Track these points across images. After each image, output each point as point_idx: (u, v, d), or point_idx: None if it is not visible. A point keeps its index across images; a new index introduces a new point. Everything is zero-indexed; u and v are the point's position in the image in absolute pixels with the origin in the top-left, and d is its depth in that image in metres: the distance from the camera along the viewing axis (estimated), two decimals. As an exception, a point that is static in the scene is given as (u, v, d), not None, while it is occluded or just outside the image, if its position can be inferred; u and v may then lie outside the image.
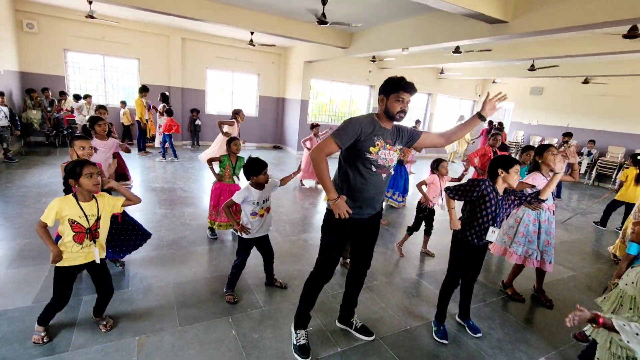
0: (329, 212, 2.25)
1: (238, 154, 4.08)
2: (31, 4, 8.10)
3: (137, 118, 8.63)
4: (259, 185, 2.81)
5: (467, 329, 2.81)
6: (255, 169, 2.76)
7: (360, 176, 2.15)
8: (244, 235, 2.81)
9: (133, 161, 7.66)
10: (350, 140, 2.09)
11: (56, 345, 2.25)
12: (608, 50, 6.14)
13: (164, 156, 8.37)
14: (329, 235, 2.31)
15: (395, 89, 2.10)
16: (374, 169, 2.15)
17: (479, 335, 2.75)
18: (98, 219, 2.24)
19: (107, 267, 2.43)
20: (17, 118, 7.15)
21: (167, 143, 8.33)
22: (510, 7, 4.69)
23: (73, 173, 2.13)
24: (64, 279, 2.22)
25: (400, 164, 5.51)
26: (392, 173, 2.36)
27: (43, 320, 2.30)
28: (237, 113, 6.61)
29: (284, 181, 3.08)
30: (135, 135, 9.27)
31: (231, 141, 3.99)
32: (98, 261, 2.26)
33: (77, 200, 2.16)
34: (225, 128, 6.62)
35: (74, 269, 2.23)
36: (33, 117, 8.13)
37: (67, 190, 2.18)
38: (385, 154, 2.17)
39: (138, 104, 8.52)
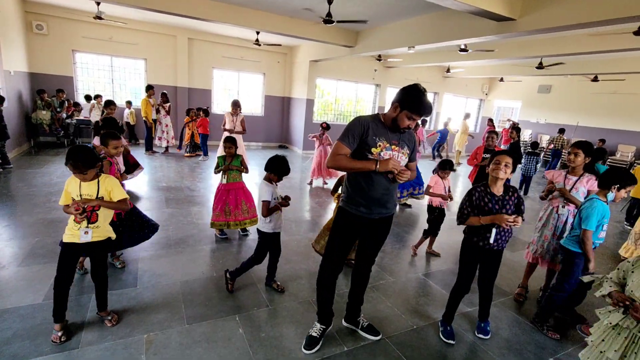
0: (340, 210, 2.30)
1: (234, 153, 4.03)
2: (41, 5, 8.21)
3: (142, 117, 8.70)
4: (271, 183, 2.88)
5: (476, 329, 2.78)
6: (283, 171, 2.85)
7: (364, 176, 2.14)
8: (275, 230, 2.91)
9: (140, 160, 7.70)
10: (357, 139, 2.08)
11: (66, 343, 2.28)
12: (617, 48, 6.05)
13: (205, 154, 8.77)
14: (337, 232, 2.33)
15: (414, 109, 2.01)
16: None
17: (487, 337, 2.72)
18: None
19: (105, 255, 2.48)
20: (5, 127, 6.19)
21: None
22: (517, 5, 4.65)
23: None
24: (65, 255, 2.28)
25: None
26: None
27: (56, 313, 2.29)
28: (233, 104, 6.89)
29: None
30: (141, 135, 9.38)
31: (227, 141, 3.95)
32: (80, 241, 2.24)
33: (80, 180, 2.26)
34: (227, 125, 6.79)
35: (75, 247, 2.27)
36: (42, 117, 8.23)
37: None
38: (388, 156, 2.11)
39: (143, 104, 8.60)
